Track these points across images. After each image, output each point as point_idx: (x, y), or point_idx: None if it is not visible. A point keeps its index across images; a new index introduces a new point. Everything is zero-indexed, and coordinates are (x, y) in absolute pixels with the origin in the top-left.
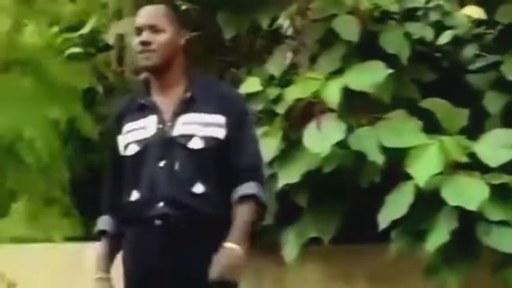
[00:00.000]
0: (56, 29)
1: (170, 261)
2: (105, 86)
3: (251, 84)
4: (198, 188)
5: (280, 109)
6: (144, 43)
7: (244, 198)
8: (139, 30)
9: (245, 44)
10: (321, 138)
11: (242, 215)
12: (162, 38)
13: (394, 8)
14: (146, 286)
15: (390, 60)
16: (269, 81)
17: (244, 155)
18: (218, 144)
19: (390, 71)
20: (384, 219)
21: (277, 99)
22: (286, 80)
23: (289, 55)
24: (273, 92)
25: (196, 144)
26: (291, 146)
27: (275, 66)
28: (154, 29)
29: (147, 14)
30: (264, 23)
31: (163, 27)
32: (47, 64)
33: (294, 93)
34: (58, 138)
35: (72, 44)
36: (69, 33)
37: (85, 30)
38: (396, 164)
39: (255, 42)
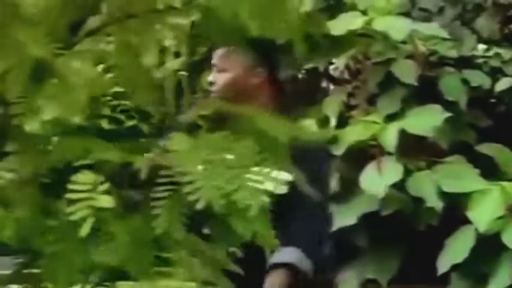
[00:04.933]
0: None
1: None
2: None
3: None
4: None
5: (337, 150)
6: (210, 83)
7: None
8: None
9: (301, 85)
10: (379, 179)
11: None
12: (223, 77)
13: (451, 53)
14: None
15: (446, 104)
16: (324, 122)
17: None
18: None
19: (448, 114)
20: (444, 263)
21: (333, 141)
22: (342, 121)
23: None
24: (328, 133)
25: None
26: (346, 187)
27: (331, 107)
28: (217, 68)
29: (216, 55)
30: (321, 65)
31: (225, 67)
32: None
33: (352, 135)
34: None
35: None
36: None
37: None
38: (455, 208)
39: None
